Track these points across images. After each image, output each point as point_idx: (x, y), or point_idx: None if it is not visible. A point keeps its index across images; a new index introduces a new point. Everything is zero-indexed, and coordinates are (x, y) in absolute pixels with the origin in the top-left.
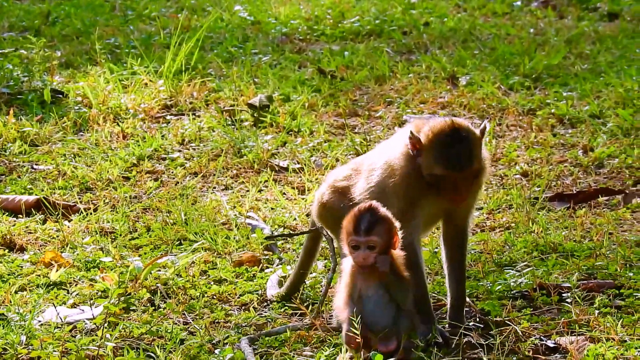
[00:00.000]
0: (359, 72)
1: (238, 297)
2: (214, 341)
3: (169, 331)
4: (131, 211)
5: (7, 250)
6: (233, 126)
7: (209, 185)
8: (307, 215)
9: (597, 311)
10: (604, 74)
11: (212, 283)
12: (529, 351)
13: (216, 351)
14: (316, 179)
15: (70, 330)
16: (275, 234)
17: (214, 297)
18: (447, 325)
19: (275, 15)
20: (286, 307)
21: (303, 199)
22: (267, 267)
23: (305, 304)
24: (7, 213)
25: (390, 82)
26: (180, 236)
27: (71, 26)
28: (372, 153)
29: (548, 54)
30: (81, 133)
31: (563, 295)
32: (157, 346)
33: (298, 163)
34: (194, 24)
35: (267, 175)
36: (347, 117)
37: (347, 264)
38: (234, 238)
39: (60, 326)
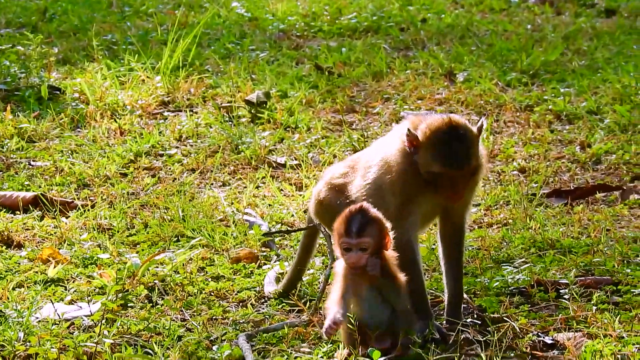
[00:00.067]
0: (357, 69)
1: (236, 294)
2: (211, 338)
3: (166, 328)
4: (129, 208)
5: (4, 247)
6: (230, 122)
7: (207, 182)
8: (305, 211)
9: (594, 307)
10: (602, 70)
11: (210, 280)
12: (526, 347)
13: (214, 348)
14: (314, 176)
15: (68, 327)
16: (273, 230)
17: (212, 293)
18: (444, 322)
19: (272, 12)
20: (284, 304)
21: (300, 195)
22: (265, 264)
23: (302, 301)
24: (4, 209)
25: (388, 78)
26: (178, 233)
27: (68, 22)
28: (368, 150)
29: (545, 50)
30: (78, 129)
31: (561, 291)
32: (155, 343)
33: (295, 159)
34: (191, 21)
35: (264, 171)
36: (345, 113)
37: (339, 265)
38: (232, 235)
39: (57, 323)
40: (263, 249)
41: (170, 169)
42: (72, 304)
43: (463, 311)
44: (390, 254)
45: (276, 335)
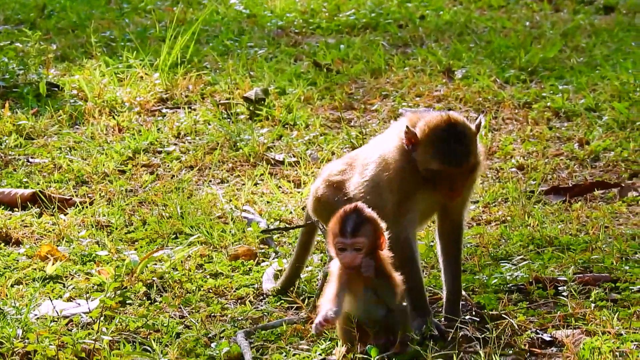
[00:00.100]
0: (355, 66)
1: (234, 291)
2: (210, 335)
3: (165, 325)
4: (127, 205)
5: (3, 244)
6: (229, 119)
7: (205, 179)
8: (303, 208)
9: (593, 305)
10: (600, 67)
11: (208, 277)
12: (525, 344)
13: (212, 345)
14: (312, 173)
15: (67, 324)
16: (271, 227)
17: (210, 290)
18: (443, 319)
19: (270, 9)
20: (282, 301)
21: (299, 192)
22: (263, 261)
23: (301, 298)
24: (2, 206)
25: (386, 75)
26: (176, 230)
27: (67, 19)
28: (366, 147)
29: (544, 47)
30: (77, 126)
31: (559, 288)
32: (153, 340)
33: (294, 156)
34: (189, 17)
35: (262, 168)
36: (343, 110)
37: (334, 265)
38: (230, 232)
39: (56, 320)
40: (261, 246)
41: (168, 166)
42: (71, 301)
43: (461, 308)
44: (385, 253)
45: (275, 333)
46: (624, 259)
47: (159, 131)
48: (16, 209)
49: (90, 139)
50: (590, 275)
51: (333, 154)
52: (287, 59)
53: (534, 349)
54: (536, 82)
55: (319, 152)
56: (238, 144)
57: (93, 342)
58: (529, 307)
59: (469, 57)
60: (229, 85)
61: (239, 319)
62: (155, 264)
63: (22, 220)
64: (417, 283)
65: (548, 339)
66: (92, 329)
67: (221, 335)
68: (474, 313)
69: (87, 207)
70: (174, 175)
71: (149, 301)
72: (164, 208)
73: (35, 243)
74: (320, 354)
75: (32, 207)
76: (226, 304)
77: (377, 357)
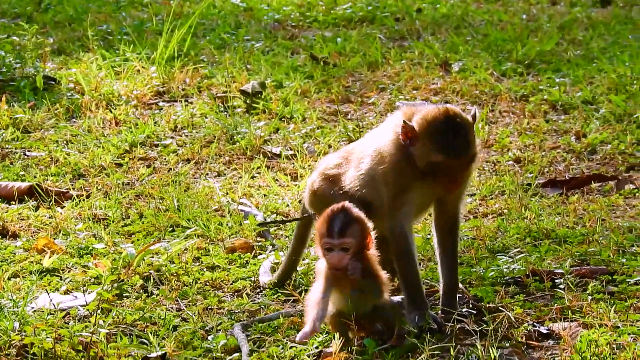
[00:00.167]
0: (352, 59)
1: (231, 284)
2: (207, 327)
3: (162, 317)
4: (124, 198)
5: (0, 237)
6: (225, 113)
7: (202, 172)
8: (300, 201)
9: (590, 297)
10: (597, 60)
11: (205, 269)
12: (522, 337)
13: (209, 337)
14: (309, 166)
15: (63, 317)
16: (268, 220)
17: (207, 283)
18: (440, 312)
19: (267, 2)
20: (279, 294)
21: (296, 185)
22: (260, 254)
23: (297, 291)
24: None
25: (383, 68)
26: (173, 223)
27: (63, 13)
28: (362, 141)
29: (541, 40)
30: (74, 120)
31: (556, 281)
32: (150, 332)
33: (291, 149)
34: (186, 11)
35: (259, 161)
36: (340, 103)
37: (321, 265)
38: (227, 224)
39: (53, 313)
40: (258, 238)
41: (165, 159)
42: (68, 293)
43: (458, 301)
44: (372, 252)
45: (271, 325)
46: (620, 251)
47: (156, 124)
48: (13, 202)
49: (87, 132)
50: (587, 267)
51: (330, 147)
52: (284, 52)
53: (531, 342)
54: (533, 75)
55: (315, 145)
56: (235, 137)
57: (90, 334)
58: (526, 299)
59: (465, 50)
60: (225, 79)
61: (236, 311)
62: (152, 257)
63: (19, 214)
64: (414, 276)
65: (545, 331)
66: (89, 321)
67: (218, 328)
68: (471, 306)
69: (84, 200)
70: (170, 169)
71: (146, 294)
72: (160, 201)
73: (32, 236)
74: (317, 347)
75: (29, 200)
76: (223, 296)
77: (374, 349)
